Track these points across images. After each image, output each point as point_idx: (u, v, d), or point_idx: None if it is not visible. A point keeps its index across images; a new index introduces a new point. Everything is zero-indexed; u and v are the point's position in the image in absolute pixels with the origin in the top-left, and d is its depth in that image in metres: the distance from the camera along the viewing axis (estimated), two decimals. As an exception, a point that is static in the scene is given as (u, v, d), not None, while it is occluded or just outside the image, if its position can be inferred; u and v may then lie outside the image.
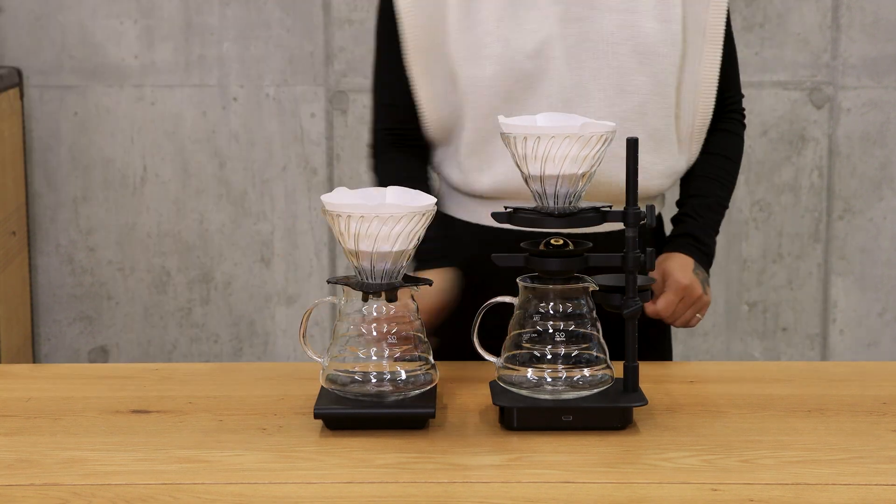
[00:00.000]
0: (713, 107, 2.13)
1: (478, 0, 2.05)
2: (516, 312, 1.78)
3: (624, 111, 2.04)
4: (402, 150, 2.14)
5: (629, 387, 1.77)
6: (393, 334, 1.74)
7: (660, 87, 2.05)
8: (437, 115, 2.10)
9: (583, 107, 2.03)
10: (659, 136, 2.07)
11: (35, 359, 3.79)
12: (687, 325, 2.08)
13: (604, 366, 1.76)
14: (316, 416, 1.73)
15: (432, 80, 2.08)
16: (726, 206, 2.19)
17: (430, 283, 1.78)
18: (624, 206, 1.75)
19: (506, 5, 2.04)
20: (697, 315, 2.08)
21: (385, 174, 2.13)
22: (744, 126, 2.25)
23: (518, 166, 1.76)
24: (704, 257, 2.12)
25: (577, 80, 2.03)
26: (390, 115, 2.14)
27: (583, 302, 1.76)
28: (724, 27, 2.11)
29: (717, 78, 2.12)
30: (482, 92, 2.03)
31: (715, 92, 2.12)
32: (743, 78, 3.73)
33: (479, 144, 2.06)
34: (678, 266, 2.07)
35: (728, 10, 2.12)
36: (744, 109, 2.25)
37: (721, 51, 2.11)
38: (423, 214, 1.71)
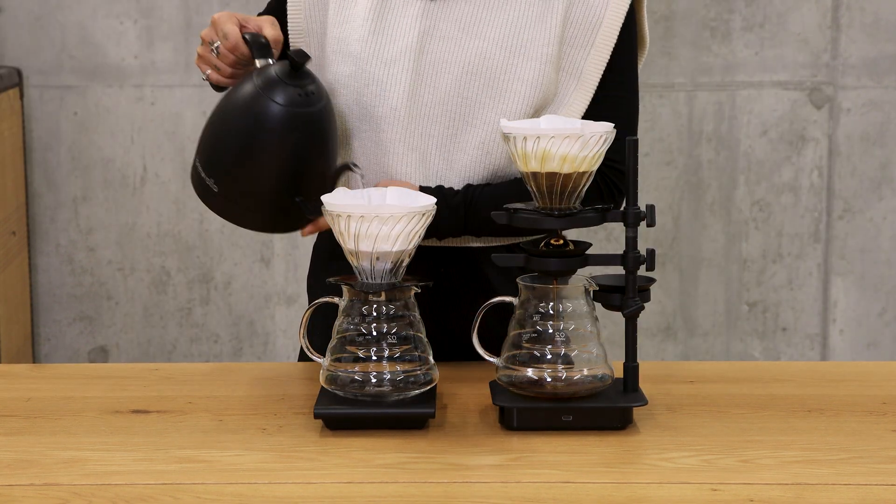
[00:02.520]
0: None
1: None
2: (516, 312, 1.78)
3: (467, 143, 1.99)
4: None
5: (629, 387, 1.77)
6: (393, 334, 1.74)
7: None
8: None
9: (429, 129, 1.98)
10: (501, 174, 2.00)
11: (35, 359, 3.79)
12: None
13: (604, 366, 1.76)
14: (316, 416, 1.73)
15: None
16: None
17: (430, 283, 1.78)
18: (623, 206, 1.76)
19: (375, 7, 2.00)
20: None
21: None
22: (615, 190, 2.01)
23: (518, 166, 1.76)
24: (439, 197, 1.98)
25: (426, 101, 1.98)
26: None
27: (583, 302, 1.76)
28: (599, 76, 1.99)
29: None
30: (339, 90, 2.01)
31: None
32: (743, 78, 3.75)
33: (343, 141, 2.04)
34: (399, 183, 1.96)
35: (626, 64, 2.02)
36: (619, 173, 1.99)
37: (587, 99, 1.99)
38: (424, 214, 1.71)
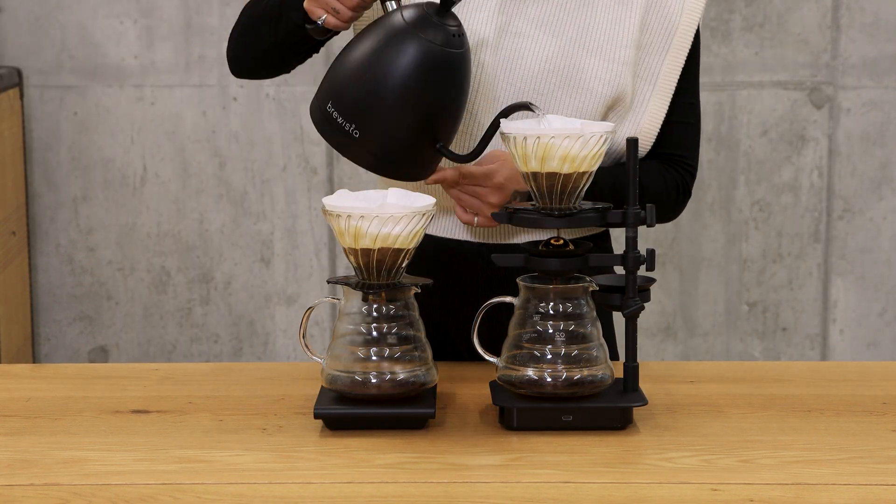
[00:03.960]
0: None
1: None
2: (516, 312, 1.78)
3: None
4: None
5: (629, 387, 1.77)
6: (393, 334, 1.74)
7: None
8: None
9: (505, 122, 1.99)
10: None
11: (35, 359, 3.79)
12: (466, 210, 1.97)
13: (604, 366, 1.76)
14: (316, 416, 1.73)
15: None
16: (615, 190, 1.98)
17: (430, 283, 1.78)
18: (624, 206, 1.76)
19: None
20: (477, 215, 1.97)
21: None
22: (684, 188, 2.08)
23: (518, 166, 1.76)
24: None
25: (500, 96, 1.99)
26: None
27: (583, 302, 1.76)
28: (675, 81, 2.03)
29: (657, 131, 2.04)
30: None
31: (651, 144, 2.04)
32: (743, 78, 3.75)
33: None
34: (502, 158, 1.96)
35: (694, 70, 2.06)
36: (692, 176, 2.10)
37: (666, 104, 2.04)
38: (424, 214, 1.71)
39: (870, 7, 3.69)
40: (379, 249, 1.71)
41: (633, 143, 1.74)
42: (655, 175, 2.04)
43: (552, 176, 1.72)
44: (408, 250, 1.72)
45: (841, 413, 1.81)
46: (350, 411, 1.73)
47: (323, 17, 1.90)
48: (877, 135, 3.73)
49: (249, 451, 1.67)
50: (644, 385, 1.82)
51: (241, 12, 2.09)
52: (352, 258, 1.73)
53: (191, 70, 3.71)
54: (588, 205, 1.79)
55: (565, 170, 1.72)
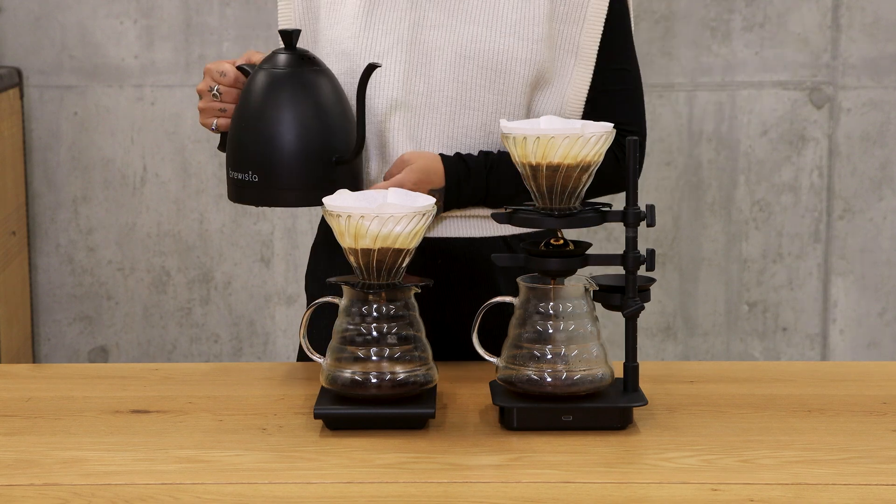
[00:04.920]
0: None
1: None
2: (516, 312, 1.78)
3: (467, 127, 2.01)
4: None
5: (629, 387, 1.77)
6: (393, 334, 1.74)
7: (507, 105, 2.00)
8: None
9: (427, 117, 2.00)
10: (505, 155, 2.01)
11: (35, 359, 3.79)
12: None
13: (604, 366, 1.76)
14: (316, 416, 1.73)
15: None
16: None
17: (430, 283, 1.78)
18: (624, 205, 1.76)
19: (365, 4, 2.03)
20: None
21: None
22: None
23: (518, 166, 1.76)
24: (462, 163, 2.00)
25: (422, 90, 2.00)
26: None
27: (583, 302, 1.76)
28: (596, 49, 2.02)
29: (583, 101, 2.04)
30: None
31: (579, 114, 2.04)
32: (743, 78, 3.75)
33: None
34: (418, 155, 1.98)
35: (621, 35, 2.04)
36: (641, 139, 2.07)
37: (589, 73, 2.03)
38: (424, 214, 1.71)
39: (870, 7, 3.69)
40: (379, 249, 1.71)
41: (632, 143, 1.74)
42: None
43: (552, 176, 1.72)
44: (408, 250, 1.73)
45: (841, 413, 1.81)
46: (350, 411, 1.73)
47: (215, 123, 1.98)
48: (877, 135, 3.73)
49: (249, 451, 1.67)
50: (644, 385, 1.82)
51: None
52: (352, 258, 1.73)
53: (191, 70, 3.71)
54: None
55: (565, 170, 1.72)
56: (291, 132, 1.90)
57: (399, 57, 2.00)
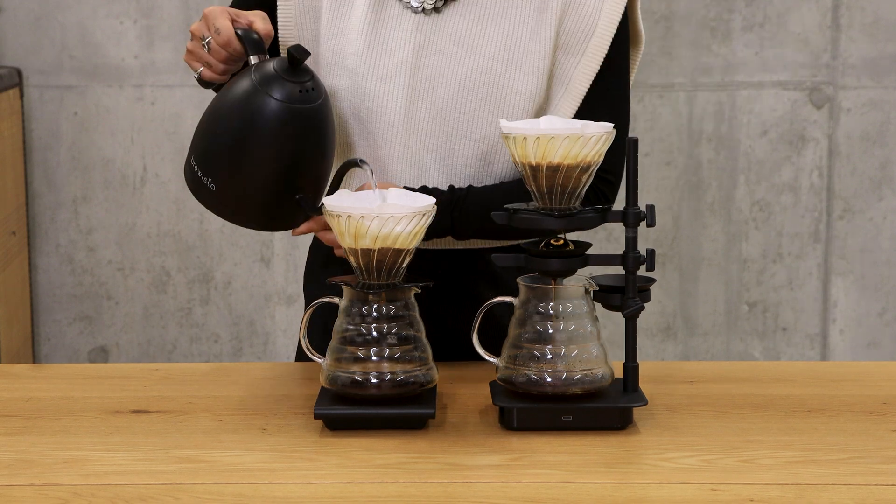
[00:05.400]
0: None
1: (348, 6, 2.00)
2: (516, 312, 1.78)
3: (468, 157, 1.98)
4: None
5: (629, 387, 1.77)
6: (393, 334, 1.74)
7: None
8: None
9: (427, 144, 1.97)
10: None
11: (35, 359, 3.79)
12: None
13: (604, 366, 1.76)
14: (316, 417, 1.73)
15: None
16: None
17: (430, 283, 1.78)
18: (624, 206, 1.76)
19: (370, 20, 1.98)
20: None
21: None
22: (599, 197, 1.98)
23: (518, 166, 1.76)
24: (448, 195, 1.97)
25: (423, 115, 1.97)
26: None
27: (583, 302, 1.76)
28: (587, 85, 1.97)
29: None
30: (336, 102, 2.00)
31: None
32: (743, 78, 3.75)
33: (341, 153, 2.04)
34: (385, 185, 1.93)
35: (617, 75, 1.99)
36: (610, 186, 2.00)
37: (574, 107, 1.98)
38: (424, 215, 1.71)
39: (870, 7, 3.69)
40: (379, 249, 1.71)
41: (632, 142, 1.74)
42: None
43: (552, 176, 1.72)
44: (408, 250, 1.73)
45: (841, 413, 1.81)
46: (350, 411, 1.73)
47: (199, 70, 1.97)
48: (877, 135, 3.73)
49: (249, 451, 1.67)
50: (644, 385, 1.82)
51: None
52: (352, 258, 1.73)
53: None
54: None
55: (565, 170, 1.72)
56: (264, 169, 1.86)
57: (402, 81, 1.96)
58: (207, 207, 1.94)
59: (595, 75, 1.97)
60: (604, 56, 1.97)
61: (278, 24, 2.04)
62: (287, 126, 1.84)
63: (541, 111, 1.99)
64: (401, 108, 1.97)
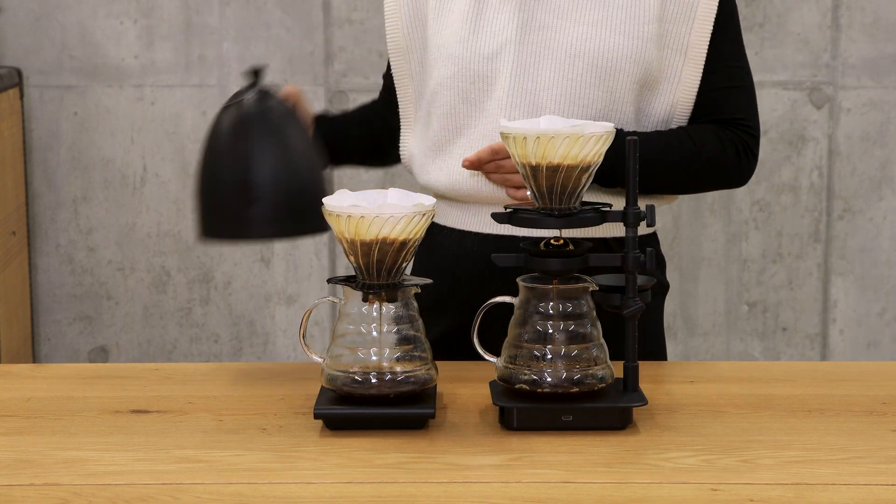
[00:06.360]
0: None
1: (450, 2, 2.08)
2: (516, 312, 1.78)
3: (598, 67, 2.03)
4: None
5: (629, 387, 1.77)
6: (393, 334, 1.74)
7: (616, 103, 2.02)
8: (412, 116, 2.17)
9: (535, 115, 2.02)
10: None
11: (35, 359, 3.79)
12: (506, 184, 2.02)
13: (604, 366, 1.76)
14: (316, 417, 1.73)
15: (410, 80, 2.15)
16: (656, 160, 2.03)
17: (430, 283, 1.78)
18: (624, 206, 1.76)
19: (472, 8, 2.06)
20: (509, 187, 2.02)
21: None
22: (744, 147, 2.07)
23: (518, 166, 1.76)
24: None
25: (530, 88, 2.02)
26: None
27: (583, 302, 1.76)
28: (705, 49, 2.03)
29: (693, 100, 2.05)
30: (444, 92, 2.06)
31: (688, 114, 2.06)
32: (743, 78, 3.74)
33: (441, 143, 2.08)
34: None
35: (731, 33, 2.06)
36: (753, 137, 2.09)
37: (699, 73, 2.04)
38: (424, 215, 1.71)
39: (870, 7, 3.69)
40: (379, 249, 1.71)
41: (633, 143, 1.74)
42: (711, 137, 2.05)
43: (552, 176, 1.72)
44: (408, 250, 1.73)
45: (841, 413, 1.81)
46: (350, 411, 1.73)
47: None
48: (877, 135, 3.73)
49: (249, 451, 1.67)
50: (644, 385, 1.82)
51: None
52: (352, 258, 1.73)
53: (191, 70, 3.71)
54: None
55: (565, 170, 1.72)
56: (226, 170, 1.90)
57: (508, 58, 2.03)
58: (237, 238, 1.96)
59: (710, 38, 2.03)
60: (713, 18, 2.03)
61: (386, 36, 2.13)
62: (247, 123, 1.88)
63: (656, 82, 2.03)
64: (508, 85, 2.02)
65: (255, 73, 1.94)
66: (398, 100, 2.18)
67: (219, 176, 1.89)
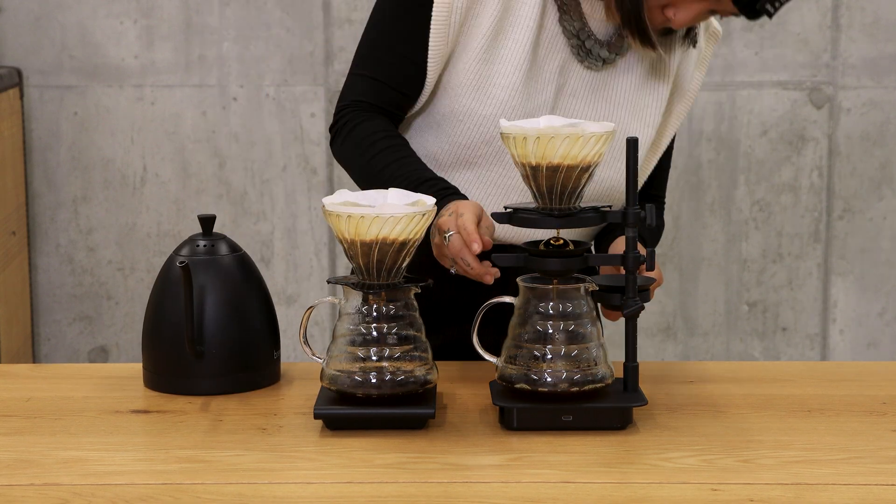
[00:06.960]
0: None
1: (505, 38, 2.01)
2: (516, 312, 1.78)
3: (587, 193, 1.95)
4: (378, 116, 2.05)
5: (629, 387, 1.77)
6: (393, 334, 1.74)
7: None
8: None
9: None
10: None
11: (35, 359, 3.79)
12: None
13: (603, 366, 1.76)
14: (316, 417, 1.73)
15: (441, 68, 2.03)
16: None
17: (429, 282, 1.78)
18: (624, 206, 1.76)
19: (528, 58, 2.00)
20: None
21: (367, 131, 2.01)
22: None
23: (518, 166, 1.76)
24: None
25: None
26: (374, 90, 2.04)
27: (583, 302, 1.76)
28: (697, 90, 2.17)
29: (649, 173, 2.17)
30: (467, 124, 2.01)
31: (641, 184, 2.15)
32: (743, 78, 3.75)
33: (464, 164, 2.05)
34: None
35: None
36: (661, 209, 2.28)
37: (688, 108, 2.18)
38: (424, 214, 1.71)
39: (870, 7, 3.69)
40: (379, 249, 1.71)
41: (632, 143, 1.74)
42: (660, 219, 2.25)
43: (552, 176, 1.72)
44: (408, 250, 1.73)
45: (841, 413, 1.81)
46: (350, 411, 1.73)
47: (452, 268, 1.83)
48: (877, 135, 3.73)
49: (249, 451, 1.67)
50: (644, 385, 1.82)
51: (352, 153, 2.05)
52: (352, 258, 1.73)
53: (191, 70, 3.71)
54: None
55: (565, 170, 1.72)
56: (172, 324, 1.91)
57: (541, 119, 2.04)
58: (181, 393, 1.92)
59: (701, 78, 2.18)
60: (707, 64, 2.18)
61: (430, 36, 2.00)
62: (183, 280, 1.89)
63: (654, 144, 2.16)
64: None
65: (209, 221, 1.97)
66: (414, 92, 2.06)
67: (167, 328, 1.89)
